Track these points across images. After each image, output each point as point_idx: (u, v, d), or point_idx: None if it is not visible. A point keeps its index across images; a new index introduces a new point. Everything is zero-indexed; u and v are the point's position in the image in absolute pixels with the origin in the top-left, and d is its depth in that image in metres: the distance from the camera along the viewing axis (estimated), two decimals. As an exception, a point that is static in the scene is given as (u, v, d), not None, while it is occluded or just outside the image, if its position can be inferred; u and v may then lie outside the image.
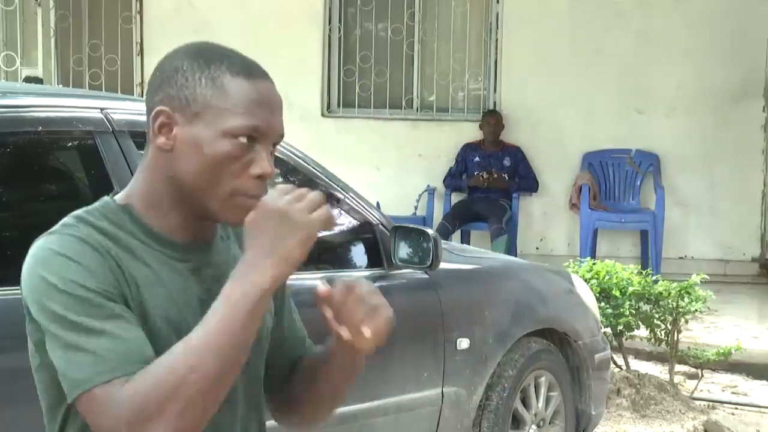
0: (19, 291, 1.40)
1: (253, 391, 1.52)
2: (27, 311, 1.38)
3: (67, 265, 1.34)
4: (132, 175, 2.79)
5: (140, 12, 8.74)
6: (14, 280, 2.54)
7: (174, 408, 1.27)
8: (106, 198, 1.48)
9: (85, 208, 1.45)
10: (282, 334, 1.59)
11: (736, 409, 5.44)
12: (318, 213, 1.33)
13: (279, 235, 1.31)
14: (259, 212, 1.34)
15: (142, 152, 1.46)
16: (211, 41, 1.48)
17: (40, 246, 1.38)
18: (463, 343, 3.63)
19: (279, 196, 1.34)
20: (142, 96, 9.02)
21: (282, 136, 1.44)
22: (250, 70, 1.42)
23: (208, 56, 1.42)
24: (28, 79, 8.52)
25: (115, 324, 1.32)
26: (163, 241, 1.44)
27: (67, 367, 1.31)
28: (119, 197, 1.47)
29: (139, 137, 2.96)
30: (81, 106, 3.01)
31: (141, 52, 8.78)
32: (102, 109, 2.93)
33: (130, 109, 3.04)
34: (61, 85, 8.57)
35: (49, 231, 1.41)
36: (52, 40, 8.80)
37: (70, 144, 3.02)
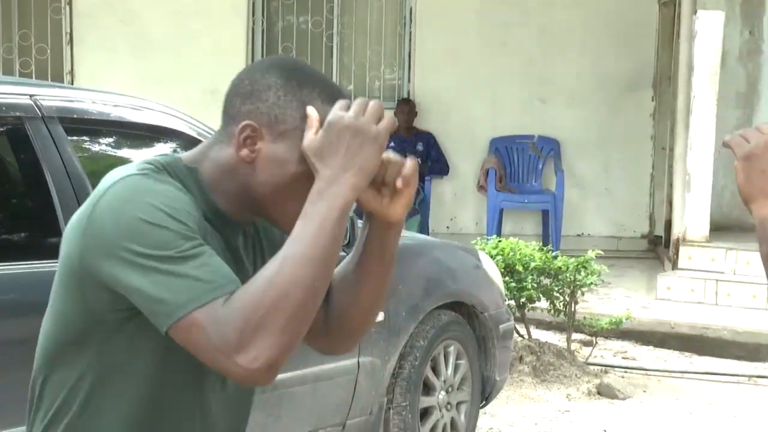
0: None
1: None
2: (76, 250, 1.30)
3: (168, 198, 1.29)
4: (62, 162, 2.76)
5: (69, 3, 8.51)
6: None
7: (278, 321, 1.22)
8: (173, 155, 1.42)
9: (153, 158, 1.38)
10: None
11: (626, 372, 5.58)
12: (384, 123, 1.32)
13: (353, 149, 1.29)
14: (328, 133, 1.30)
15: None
16: (301, 60, 1.41)
17: (125, 184, 1.30)
18: (378, 316, 3.64)
19: (342, 112, 1.31)
20: (72, 84, 8.69)
21: None
22: (338, 98, 1.37)
23: (302, 79, 1.38)
24: (-40, 66, 8.24)
25: (207, 253, 1.27)
26: (224, 219, 1.40)
27: (162, 296, 1.23)
28: (186, 160, 1.41)
29: (68, 123, 2.90)
30: (10, 92, 2.90)
31: (71, 42, 8.55)
32: (31, 96, 2.84)
33: (59, 96, 2.95)
34: (-8, 72, 8.30)
35: (125, 173, 1.32)
36: (-17, 29, 8.53)
37: None
